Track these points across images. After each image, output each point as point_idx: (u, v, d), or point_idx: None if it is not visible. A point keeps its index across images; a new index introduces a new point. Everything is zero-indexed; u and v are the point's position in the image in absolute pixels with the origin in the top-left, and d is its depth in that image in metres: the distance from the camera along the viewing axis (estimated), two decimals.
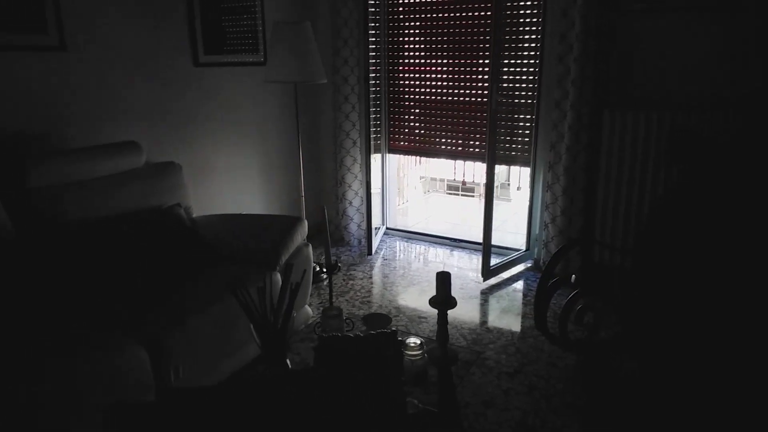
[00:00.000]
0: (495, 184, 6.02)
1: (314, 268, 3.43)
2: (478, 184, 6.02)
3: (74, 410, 1.67)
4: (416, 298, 3.20)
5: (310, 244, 2.72)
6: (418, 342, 1.65)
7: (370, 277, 3.46)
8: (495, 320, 2.95)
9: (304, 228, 2.67)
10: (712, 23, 2.90)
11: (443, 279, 1.75)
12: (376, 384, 1.37)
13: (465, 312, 3.03)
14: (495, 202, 5.95)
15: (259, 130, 3.61)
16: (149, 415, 1.39)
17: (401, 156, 4.47)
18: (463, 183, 5.82)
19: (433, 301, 1.77)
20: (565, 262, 3.39)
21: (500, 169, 5.89)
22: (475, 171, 6.05)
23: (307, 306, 2.76)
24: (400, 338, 1.71)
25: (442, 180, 6.20)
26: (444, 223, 4.90)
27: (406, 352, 1.65)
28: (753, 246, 2.43)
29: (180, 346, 1.98)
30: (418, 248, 4.01)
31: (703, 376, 2.31)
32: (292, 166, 3.69)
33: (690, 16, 2.94)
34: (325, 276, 3.44)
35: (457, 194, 5.97)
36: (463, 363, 2.51)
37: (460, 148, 3.87)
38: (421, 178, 6.15)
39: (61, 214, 2.19)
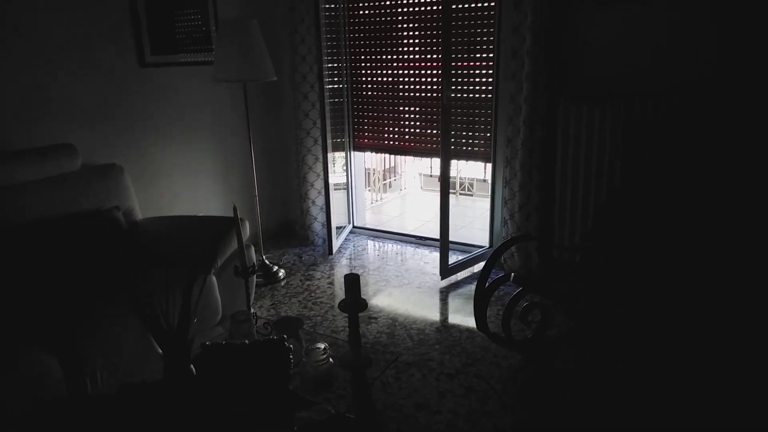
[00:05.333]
0: (464, 181, 5.97)
1: (272, 267, 3.40)
2: (469, 181, 5.98)
3: None
4: (371, 296, 3.15)
5: (252, 246, 2.67)
6: (322, 347, 1.59)
7: (329, 277, 3.41)
8: (446, 320, 2.89)
9: (245, 229, 2.62)
10: (665, 13, 2.82)
11: (351, 282, 1.69)
12: (257, 393, 1.33)
13: (417, 311, 2.98)
14: (472, 198, 5.90)
15: (215, 130, 3.57)
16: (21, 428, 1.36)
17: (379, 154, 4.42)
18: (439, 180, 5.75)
19: (342, 305, 1.72)
20: (523, 259, 3.33)
21: (478, 165, 5.82)
22: (459, 166, 5.99)
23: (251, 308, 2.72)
24: (305, 344, 1.66)
25: (420, 175, 6.15)
26: (416, 221, 4.85)
27: (312, 358, 1.60)
28: (705, 233, 2.37)
29: (96, 353, 1.94)
30: (384, 247, 3.96)
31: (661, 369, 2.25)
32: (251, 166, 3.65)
33: (642, 7, 2.86)
34: (282, 276, 3.40)
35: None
36: (404, 365, 2.47)
37: (426, 145, 3.81)
38: (393, 175, 6.09)
39: None
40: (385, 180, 5.90)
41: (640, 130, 2.84)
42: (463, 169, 6.08)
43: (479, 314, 2.39)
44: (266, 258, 3.49)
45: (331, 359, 1.60)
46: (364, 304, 1.74)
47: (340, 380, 2.10)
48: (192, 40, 3.39)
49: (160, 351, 1.61)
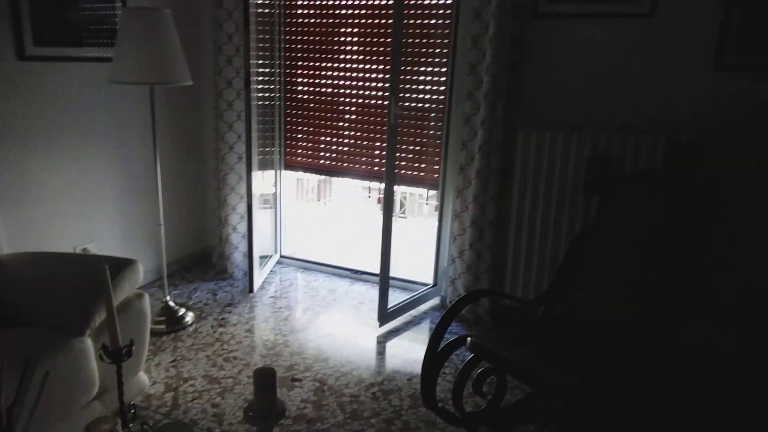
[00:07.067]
0: (404, 202, 5.55)
1: (177, 311, 2.84)
2: (402, 194, 5.55)
3: None
4: (296, 348, 2.65)
5: (146, 295, 2.11)
6: None
7: (247, 323, 2.88)
8: (385, 381, 2.44)
9: (136, 274, 2.07)
10: (639, 31, 2.52)
11: (264, 380, 1.21)
12: None
13: (350, 369, 2.51)
14: (412, 220, 5.48)
15: (116, 143, 2.96)
16: None
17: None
18: (379, 201, 5.33)
19: (249, 415, 1.23)
20: (473, 304, 2.95)
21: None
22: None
23: (142, 373, 2.16)
24: None
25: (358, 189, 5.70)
26: (352, 249, 4.37)
27: None
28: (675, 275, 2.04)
29: None
30: (315, 282, 3.46)
31: None
32: (165, 186, 3.05)
33: (619, 22, 2.55)
34: (190, 320, 2.84)
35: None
36: None
37: (366, 167, 3.36)
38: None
39: None
40: (319, 200, 5.41)
41: (605, 165, 2.53)
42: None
43: (427, 389, 1.96)
44: (171, 298, 2.91)
45: None
46: (281, 411, 1.26)
47: None
48: (92, 31, 2.79)
49: None
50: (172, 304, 2.85)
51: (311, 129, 3.43)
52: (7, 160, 2.46)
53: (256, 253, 3.16)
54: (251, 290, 3.18)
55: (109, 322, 1.35)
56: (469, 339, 1.99)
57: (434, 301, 3.23)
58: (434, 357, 1.96)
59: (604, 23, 2.56)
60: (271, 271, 3.55)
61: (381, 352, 2.70)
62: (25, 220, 2.55)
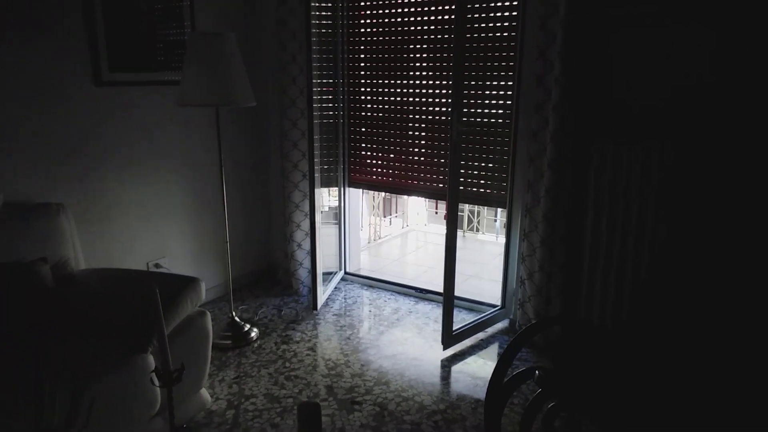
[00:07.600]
0: (476, 219, 5.40)
1: (243, 326, 2.86)
2: (470, 209, 5.41)
3: None
4: (358, 369, 2.59)
5: (208, 313, 2.13)
6: None
7: (309, 341, 2.86)
8: (449, 410, 2.32)
9: (198, 292, 2.09)
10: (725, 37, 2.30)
11: (308, 415, 1.15)
12: None
13: (412, 394, 2.41)
14: (479, 240, 5.33)
15: (185, 162, 3.05)
16: None
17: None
18: (446, 217, 5.22)
19: None
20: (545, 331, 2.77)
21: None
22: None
23: (204, 390, 2.17)
24: None
25: (426, 202, 5.61)
26: (418, 267, 4.30)
27: None
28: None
29: None
30: (379, 300, 3.40)
31: None
32: (232, 203, 3.11)
33: (683, 28, 2.34)
34: (254, 336, 2.86)
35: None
36: None
37: (431, 184, 3.29)
38: (394, 216, 5.56)
39: None
40: (385, 216, 5.37)
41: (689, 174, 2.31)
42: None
43: (491, 423, 1.83)
44: (238, 314, 2.94)
45: None
46: None
47: None
48: (163, 55, 2.90)
49: None
50: (237, 319, 2.87)
51: (375, 146, 3.39)
52: (84, 181, 2.58)
53: (320, 271, 3.15)
54: (315, 307, 3.17)
55: (159, 347, 1.35)
56: (536, 372, 1.85)
57: (503, 324, 3.08)
58: (499, 389, 1.83)
59: (675, 28, 2.36)
60: (335, 287, 3.53)
61: (445, 377, 2.59)
62: (101, 237, 2.67)
